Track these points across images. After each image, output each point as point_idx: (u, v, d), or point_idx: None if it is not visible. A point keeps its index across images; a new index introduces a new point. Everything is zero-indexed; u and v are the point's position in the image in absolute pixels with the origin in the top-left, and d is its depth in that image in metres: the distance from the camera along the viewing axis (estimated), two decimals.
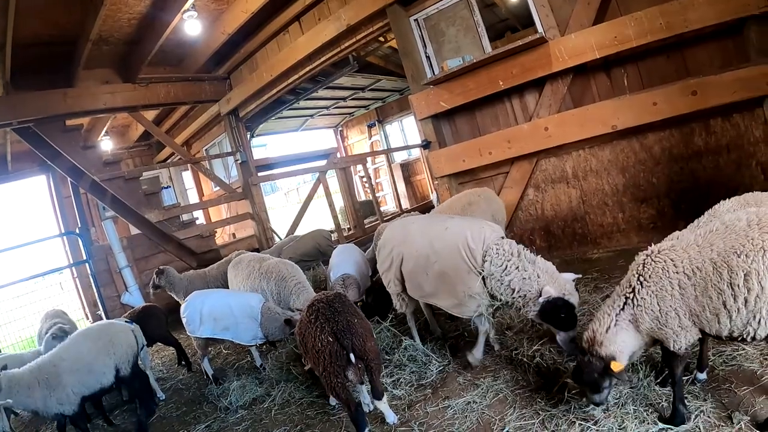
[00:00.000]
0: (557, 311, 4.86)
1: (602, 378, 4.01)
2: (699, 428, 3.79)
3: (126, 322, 7.23)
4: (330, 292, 5.22)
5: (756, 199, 4.36)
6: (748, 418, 3.76)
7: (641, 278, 3.93)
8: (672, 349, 3.88)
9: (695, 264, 3.69)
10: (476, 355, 5.66)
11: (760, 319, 3.45)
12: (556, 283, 5.01)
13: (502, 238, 5.59)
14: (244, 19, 11.67)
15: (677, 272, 3.76)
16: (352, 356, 4.58)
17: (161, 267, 9.97)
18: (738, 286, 3.46)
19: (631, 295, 3.98)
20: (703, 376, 4.34)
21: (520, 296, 5.14)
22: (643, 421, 4.02)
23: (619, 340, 4.00)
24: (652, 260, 3.91)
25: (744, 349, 4.55)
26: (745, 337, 3.57)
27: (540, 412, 4.53)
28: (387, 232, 6.73)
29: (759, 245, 3.42)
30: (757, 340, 3.54)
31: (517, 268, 5.16)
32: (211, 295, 7.33)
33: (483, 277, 5.38)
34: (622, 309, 4.02)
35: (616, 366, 3.90)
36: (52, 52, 10.80)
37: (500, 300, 5.41)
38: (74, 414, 5.98)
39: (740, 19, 7.30)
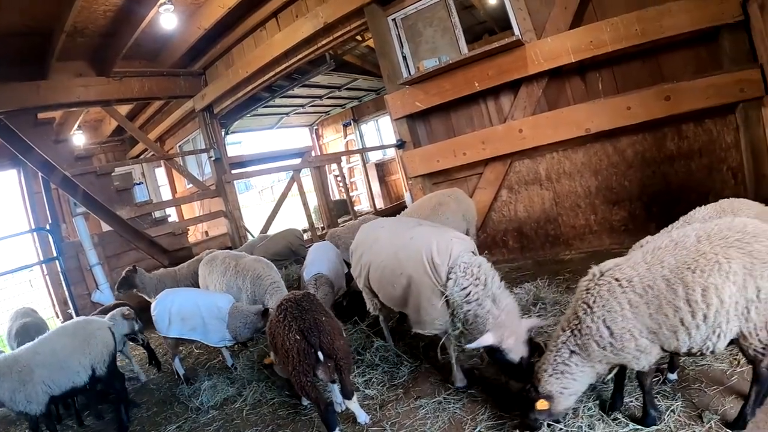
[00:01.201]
0: (492, 359, 4.63)
1: (532, 411, 4.01)
2: (669, 428, 3.83)
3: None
4: (299, 292, 5.18)
5: (732, 206, 4.39)
6: (718, 417, 3.80)
7: (585, 305, 3.82)
8: (637, 369, 3.82)
9: (646, 282, 3.63)
10: (457, 377, 5.32)
11: (719, 333, 3.46)
12: (504, 331, 4.41)
13: (473, 253, 5.20)
14: (221, 14, 11.60)
15: (625, 291, 3.68)
16: (320, 354, 4.57)
17: (133, 266, 9.86)
18: (696, 302, 3.44)
19: (577, 325, 3.86)
20: (673, 376, 4.39)
21: (469, 330, 4.85)
22: (615, 420, 4.05)
23: (560, 383, 3.93)
24: (596, 284, 3.82)
25: None
26: (704, 351, 3.58)
27: (510, 412, 4.54)
28: (359, 234, 6.56)
29: (713, 259, 3.44)
30: (716, 354, 3.62)
31: (477, 300, 4.68)
32: (180, 295, 7.26)
33: (446, 296, 4.94)
34: (565, 342, 3.93)
35: (540, 405, 3.91)
36: (26, 43, 10.63)
37: (457, 327, 5.00)
38: (40, 414, 5.85)
39: (715, 27, 7.48)
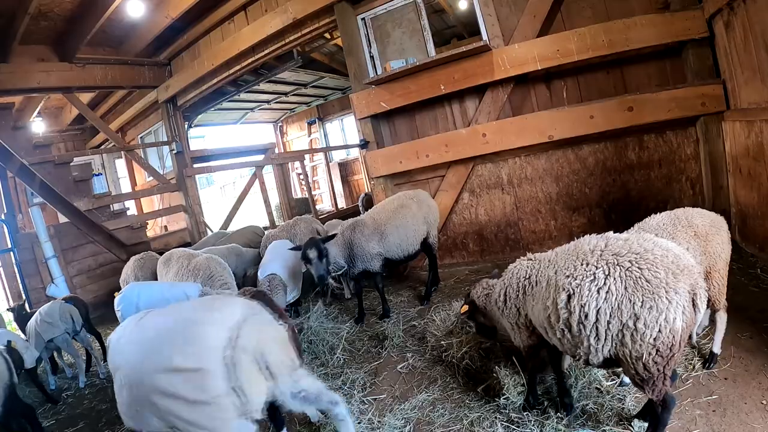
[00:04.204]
0: None
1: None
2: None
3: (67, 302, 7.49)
4: (253, 289, 5.14)
5: (686, 214, 4.45)
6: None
7: (505, 274, 4.46)
8: (514, 342, 4.48)
9: (539, 276, 3.98)
10: None
11: (590, 347, 3.49)
12: None
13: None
14: (190, 3, 11.44)
15: (523, 277, 4.16)
16: None
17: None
18: (560, 306, 3.55)
19: (495, 284, 4.68)
20: (628, 380, 4.41)
21: None
22: (564, 422, 4.10)
23: (482, 304, 4.95)
24: (518, 263, 4.35)
25: None
26: (578, 359, 3.67)
27: (469, 414, 4.58)
28: None
29: (591, 271, 3.47)
30: (595, 364, 3.60)
31: None
32: (146, 287, 7.02)
33: None
34: (488, 285, 4.94)
35: (462, 308, 5.20)
36: None
37: None
38: None
39: (680, 42, 7.68)
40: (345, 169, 25.01)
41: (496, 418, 4.39)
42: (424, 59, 9.20)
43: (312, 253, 7.10)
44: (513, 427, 4.22)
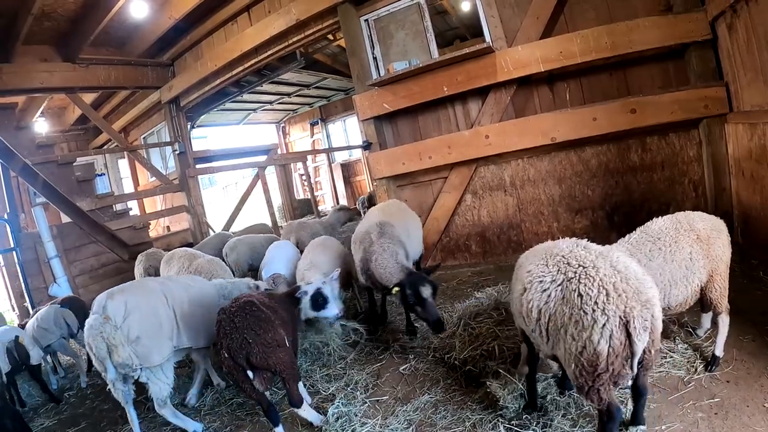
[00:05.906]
0: None
1: None
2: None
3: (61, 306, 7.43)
4: (239, 300, 4.98)
5: (687, 218, 4.46)
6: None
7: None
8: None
9: (518, 262, 4.14)
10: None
11: (539, 343, 3.66)
12: None
13: None
14: (193, 4, 11.46)
15: (516, 270, 4.16)
16: (249, 373, 4.54)
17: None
18: (515, 295, 3.83)
19: None
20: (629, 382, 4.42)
21: None
22: (568, 424, 4.09)
23: None
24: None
25: (672, 356, 4.70)
26: (538, 350, 3.85)
27: (471, 416, 4.57)
28: None
29: (544, 272, 3.60)
30: (548, 357, 3.79)
31: None
32: None
33: None
34: None
35: None
36: None
37: None
38: None
39: (683, 44, 7.66)
40: (347, 170, 25.06)
41: (498, 420, 4.37)
42: (427, 61, 9.20)
43: (426, 291, 5.89)
44: (515, 429, 4.20)
